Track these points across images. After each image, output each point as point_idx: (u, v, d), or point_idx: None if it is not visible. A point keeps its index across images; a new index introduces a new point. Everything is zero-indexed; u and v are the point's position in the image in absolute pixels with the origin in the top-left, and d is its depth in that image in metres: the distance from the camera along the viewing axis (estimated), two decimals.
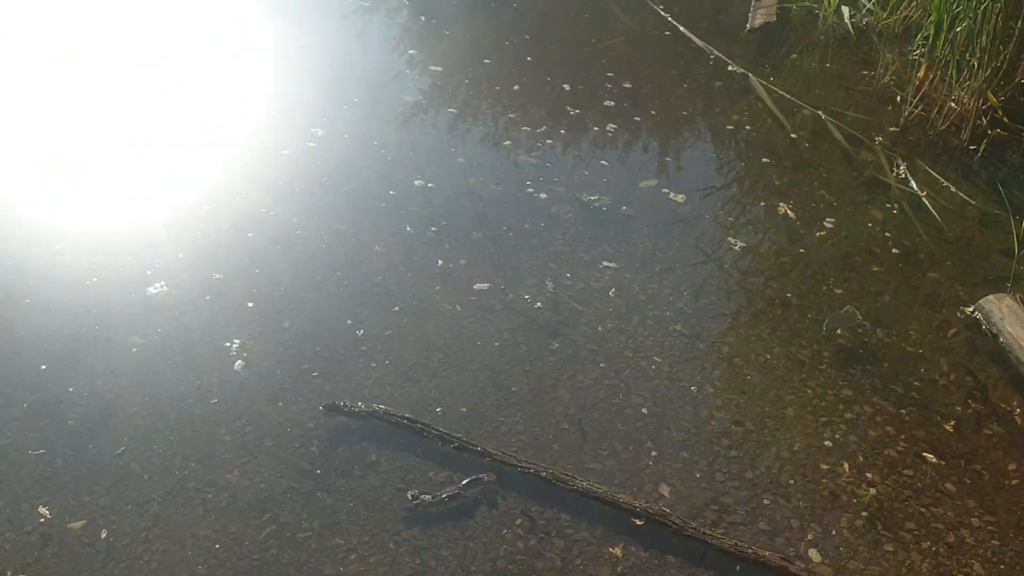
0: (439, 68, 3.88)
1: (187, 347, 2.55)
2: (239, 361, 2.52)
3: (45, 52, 3.76)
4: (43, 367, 2.44)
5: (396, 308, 2.75)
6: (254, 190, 3.11)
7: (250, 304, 2.70)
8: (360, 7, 4.28)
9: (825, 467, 2.41)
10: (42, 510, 2.12)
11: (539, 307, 2.81)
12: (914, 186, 3.47)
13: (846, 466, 2.42)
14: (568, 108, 3.72)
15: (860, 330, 2.86)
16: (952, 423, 2.57)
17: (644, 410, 2.53)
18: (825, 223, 3.28)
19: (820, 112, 3.82)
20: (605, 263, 3.00)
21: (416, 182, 3.24)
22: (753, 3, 4.57)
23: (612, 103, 3.77)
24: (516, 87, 3.81)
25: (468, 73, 3.89)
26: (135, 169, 3.13)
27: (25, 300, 2.62)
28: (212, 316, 2.65)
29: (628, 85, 3.89)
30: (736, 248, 3.15)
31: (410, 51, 3.99)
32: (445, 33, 4.17)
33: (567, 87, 3.84)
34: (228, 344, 2.56)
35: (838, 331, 2.80)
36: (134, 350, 2.52)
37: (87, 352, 2.50)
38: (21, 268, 2.73)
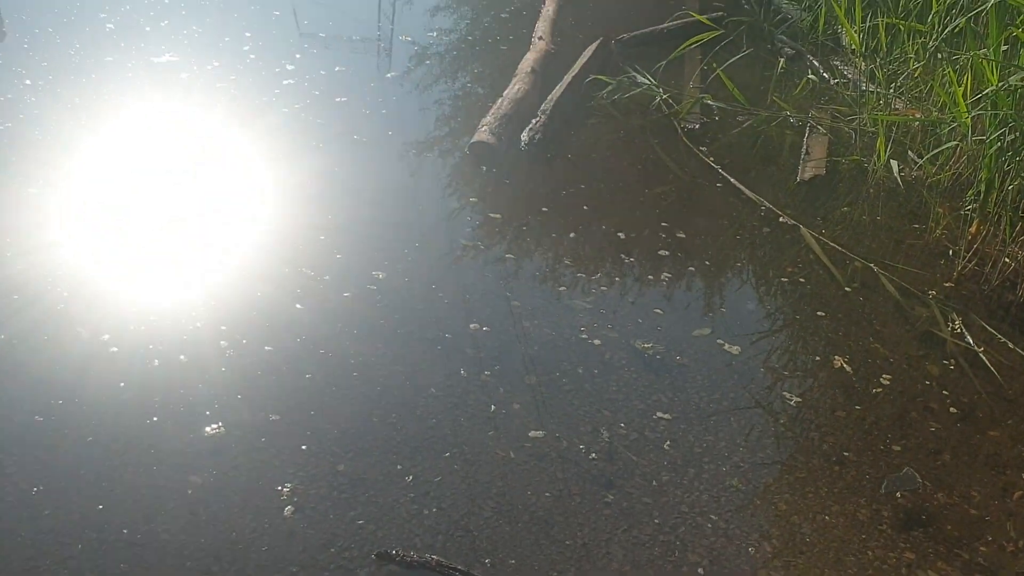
0: (498, 215, 4.00)
1: (241, 490, 2.57)
2: (290, 506, 2.53)
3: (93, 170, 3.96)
4: (100, 507, 2.47)
5: (449, 454, 2.77)
6: (315, 332, 3.18)
7: (304, 447, 2.73)
8: (426, 161, 4.46)
9: None
10: None
11: (593, 457, 2.81)
12: (970, 341, 3.46)
13: None
14: (623, 256, 3.80)
15: (920, 491, 2.81)
16: None
17: (700, 569, 2.48)
18: (880, 378, 3.26)
19: (872, 265, 3.85)
20: (660, 413, 3.00)
21: (471, 325, 3.30)
22: (803, 156, 4.68)
23: (667, 252, 3.84)
24: (572, 234, 3.91)
25: (526, 220, 4.01)
26: (197, 309, 3.22)
27: (88, 438, 2.68)
28: (266, 459, 2.67)
29: (682, 235, 3.98)
30: (791, 401, 3.14)
31: (471, 199, 4.13)
32: (505, 182, 4.32)
33: (621, 235, 3.93)
34: (280, 488, 2.58)
35: (898, 494, 2.74)
36: (189, 492, 2.54)
37: (144, 493, 2.52)
38: (85, 404, 2.80)
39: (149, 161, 4.12)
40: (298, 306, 3.29)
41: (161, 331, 3.11)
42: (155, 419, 2.76)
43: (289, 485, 2.59)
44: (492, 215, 4.00)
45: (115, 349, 3.01)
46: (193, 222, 3.75)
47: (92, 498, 2.49)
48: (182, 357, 3.00)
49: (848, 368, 3.30)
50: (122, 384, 2.88)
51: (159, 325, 3.13)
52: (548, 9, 6.17)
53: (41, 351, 2.97)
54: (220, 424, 2.76)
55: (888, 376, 3.28)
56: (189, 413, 2.80)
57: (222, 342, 3.08)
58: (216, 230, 3.73)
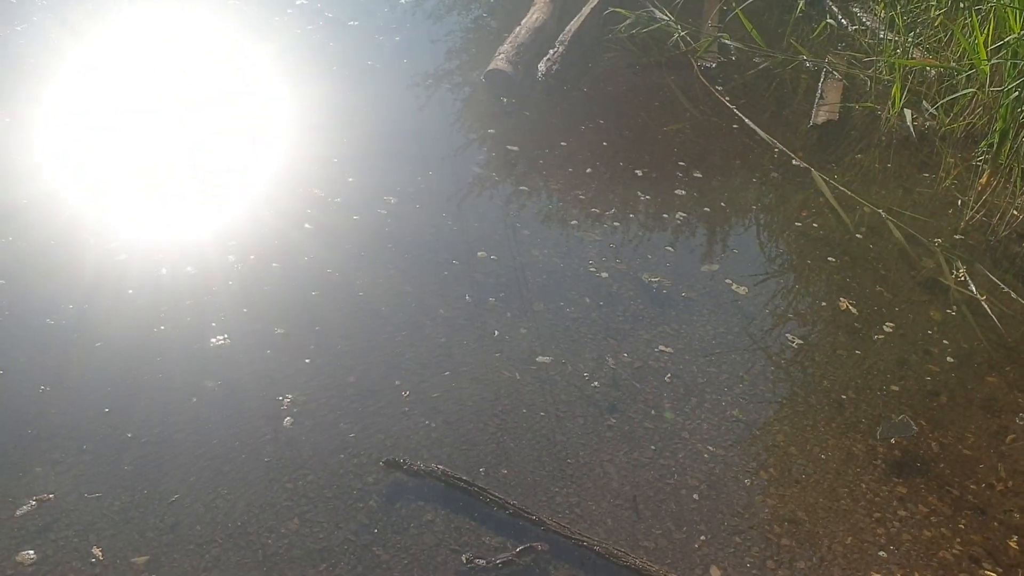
0: (515, 147, 3.99)
1: (249, 396, 2.62)
2: (295, 414, 2.59)
3: (122, 98, 3.93)
4: (106, 410, 2.52)
5: (457, 371, 2.81)
6: (323, 252, 3.21)
7: (307, 360, 2.77)
8: (441, 89, 4.42)
9: (877, 563, 2.40)
10: (95, 551, 2.17)
11: (598, 382, 2.85)
12: (973, 290, 3.49)
13: (898, 564, 2.41)
14: (639, 193, 3.81)
15: (916, 428, 2.86)
16: (1011, 533, 2.55)
17: (698, 492, 2.55)
18: (883, 322, 3.30)
19: (881, 211, 3.87)
20: (664, 344, 3.04)
21: (479, 253, 3.32)
22: (816, 100, 4.66)
23: (683, 191, 3.85)
24: (588, 170, 3.91)
25: (543, 154, 4.00)
26: (207, 225, 3.25)
27: (96, 343, 2.71)
28: (272, 370, 2.72)
29: (699, 175, 3.98)
30: (795, 340, 3.18)
31: (489, 130, 4.11)
32: (525, 114, 4.30)
33: (639, 173, 3.93)
34: (285, 397, 2.63)
35: (892, 440, 2.80)
36: (194, 399, 2.59)
37: (149, 399, 2.57)
38: (95, 310, 2.83)
39: (161, 82, 4.09)
40: (307, 226, 3.31)
41: (169, 243, 3.14)
42: (162, 328, 2.80)
43: (293, 395, 2.64)
44: (509, 147, 3.99)
45: (124, 256, 3.04)
46: (205, 142, 3.76)
47: (98, 401, 2.54)
48: (189, 268, 3.04)
49: (853, 310, 3.33)
50: (130, 291, 2.91)
51: (167, 237, 3.16)
52: None
53: (53, 258, 3.00)
54: (226, 335, 2.80)
55: (891, 320, 3.31)
56: (196, 323, 2.84)
57: (230, 256, 3.11)
58: (227, 151, 3.73)
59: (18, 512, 2.23)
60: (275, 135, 3.78)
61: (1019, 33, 3.65)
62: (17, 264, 2.94)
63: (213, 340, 2.77)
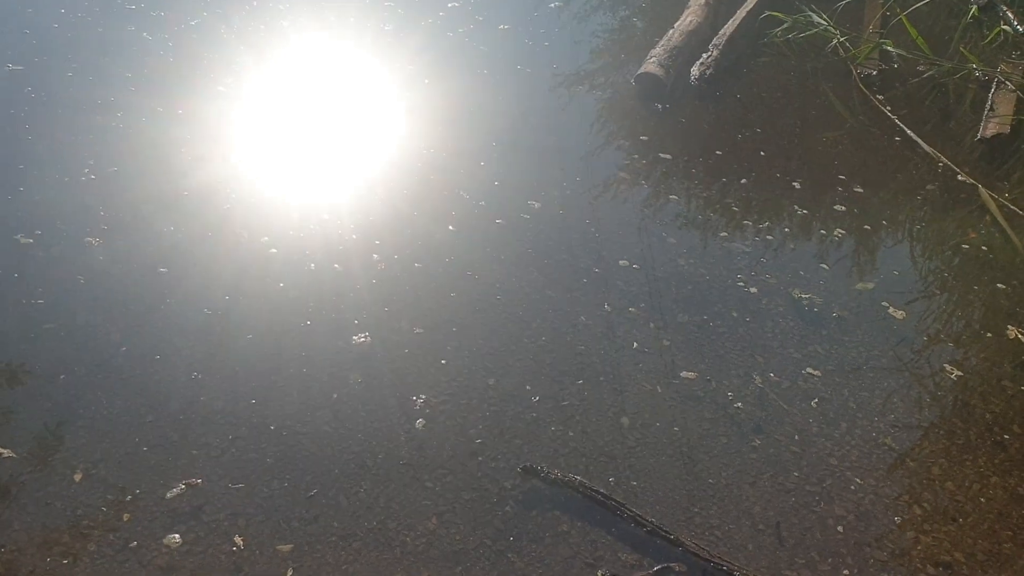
0: (668, 156, 3.92)
1: (388, 394, 2.66)
2: (433, 413, 2.61)
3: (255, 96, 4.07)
4: (253, 401, 2.61)
5: (597, 381, 2.79)
6: (465, 255, 3.23)
7: (443, 361, 2.79)
8: (591, 93, 4.39)
9: None
10: (237, 540, 2.25)
11: (744, 400, 2.77)
12: None
13: None
14: (795, 206, 3.68)
15: None
16: None
17: (845, 523, 2.44)
18: None
19: None
20: (814, 364, 2.93)
21: (622, 261, 3.27)
22: (986, 112, 4.39)
23: (842, 207, 3.69)
24: (744, 180, 3.80)
25: (696, 162, 3.92)
26: (354, 223, 3.31)
27: (248, 335, 2.81)
28: (409, 368, 2.76)
29: (860, 190, 3.81)
30: (955, 367, 3.00)
31: (641, 136, 4.06)
32: (680, 121, 4.22)
33: (796, 185, 3.80)
34: (419, 397, 2.66)
35: None
36: (335, 396, 2.65)
37: (293, 393, 2.64)
38: (247, 302, 2.93)
39: (314, 79, 4.22)
40: (451, 228, 3.34)
41: (318, 240, 3.22)
42: (308, 323, 2.87)
43: (428, 395, 2.67)
44: (661, 154, 3.92)
45: (274, 251, 3.14)
46: (357, 142, 3.84)
47: (246, 392, 2.63)
48: (336, 266, 3.11)
49: (1021, 338, 3.12)
50: (281, 284, 3.00)
51: (316, 234, 3.24)
52: None
53: (210, 250, 3.13)
54: (367, 333, 2.85)
55: None
56: (339, 320, 2.90)
57: (374, 255, 3.17)
58: (379, 151, 3.80)
59: (168, 495, 2.34)
60: (425, 137, 3.83)
61: None
62: (177, 254, 3.09)
63: (355, 338, 2.83)
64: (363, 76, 4.29)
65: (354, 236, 3.24)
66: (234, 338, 2.80)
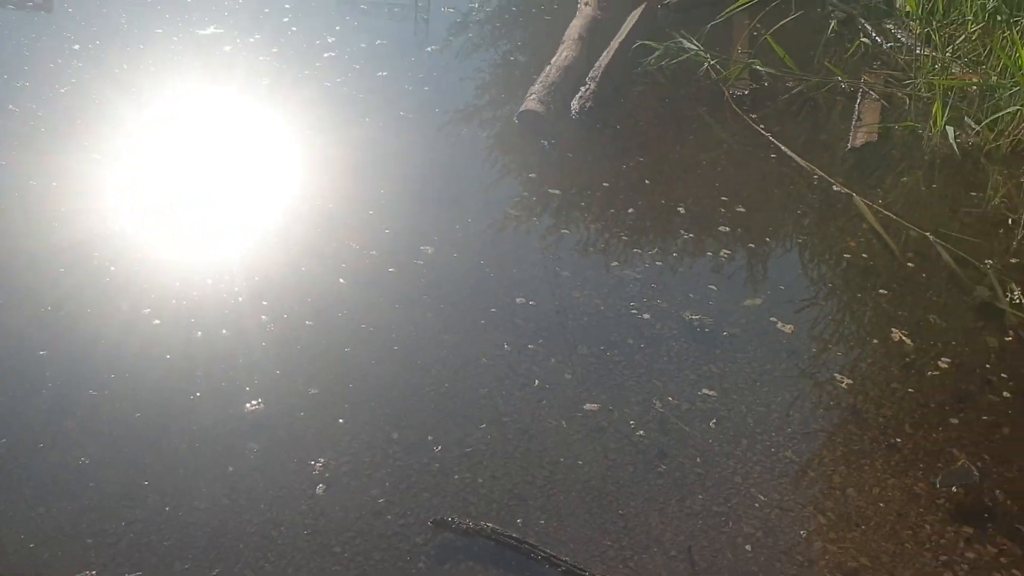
0: (557, 191, 3.96)
1: (285, 462, 2.58)
2: (333, 475, 2.56)
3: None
4: (146, 482, 2.50)
5: (502, 422, 2.77)
6: (358, 307, 3.18)
7: (341, 420, 2.73)
8: (476, 135, 4.41)
9: None
10: None
11: (646, 427, 2.79)
12: None
13: None
14: (682, 232, 3.75)
15: (979, 463, 2.76)
16: None
17: (753, 541, 2.47)
18: (937, 352, 3.20)
19: (928, 235, 3.77)
20: (710, 384, 2.98)
21: (519, 299, 3.28)
22: (854, 122, 4.59)
23: (727, 228, 3.78)
24: (631, 210, 3.87)
25: (585, 195, 3.97)
26: (240, 284, 3.23)
27: (135, 414, 2.70)
28: (305, 432, 2.69)
29: (742, 209, 3.92)
30: (845, 374, 3.09)
31: (530, 174, 4.09)
32: (567, 156, 4.28)
33: (681, 210, 3.88)
34: (317, 461, 2.60)
35: (954, 488, 2.69)
36: (230, 469, 2.56)
37: (186, 470, 2.54)
38: (134, 379, 2.82)
39: (193, 134, 4.15)
40: (341, 281, 3.29)
41: (203, 305, 3.12)
42: (198, 394, 2.78)
43: (327, 458, 2.60)
44: (551, 191, 3.95)
45: (158, 321, 3.04)
46: (237, 196, 3.78)
47: (138, 474, 2.51)
48: (224, 331, 3.02)
49: (906, 341, 3.24)
50: (168, 356, 2.90)
51: (202, 299, 3.15)
52: None
53: (91, 327, 3.00)
54: (260, 400, 2.77)
55: (946, 349, 3.22)
56: (230, 388, 2.81)
57: (263, 317, 3.09)
58: (260, 204, 3.75)
59: None
60: (310, 190, 3.79)
61: None
62: (56, 334, 2.96)
63: (248, 405, 2.75)
64: (241, 132, 4.23)
65: (241, 298, 3.16)
66: (122, 418, 2.68)
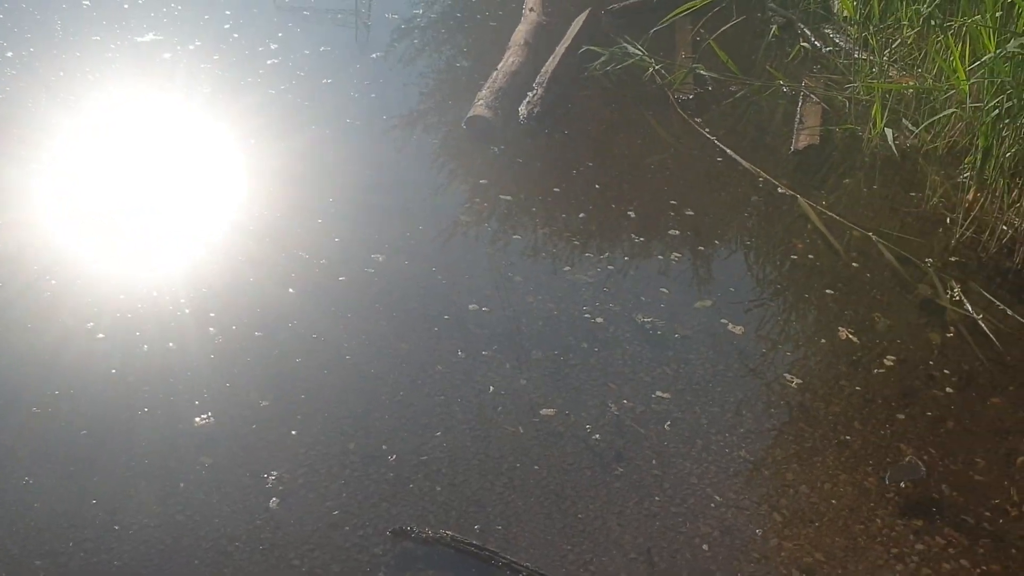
0: (508, 197, 3.96)
1: (237, 476, 2.55)
2: (287, 488, 2.52)
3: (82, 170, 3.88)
4: (94, 501, 2.44)
5: (459, 430, 2.76)
6: (308, 317, 3.14)
7: (293, 432, 2.70)
8: (425, 141, 4.39)
9: None
10: None
11: (602, 430, 2.81)
12: (969, 308, 3.47)
13: None
14: (633, 236, 3.78)
15: (926, 457, 2.83)
16: None
17: (711, 540, 2.50)
18: (883, 349, 3.28)
19: (870, 234, 3.86)
20: (664, 386, 3.00)
21: (471, 305, 3.27)
22: (796, 125, 4.67)
23: (677, 232, 3.82)
24: (582, 215, 3.88)
25: (536, 201, 3.98)
26: (186, 296, 3.17)
27: (81, 431, 2.64)
28: (257, 445, 2.65)
29: (691, 212, 3.96)
30: (795, 373, 3.14)
31: (481, 180, 4.09)
32: (518, 161, 4.28)
33: (632, 214, 3.90)
34: (271, 474, 2.56)
35: (902, 484, 2.75)
36: (182, 485, 2.51)
37: (138, 487, 2.49)
38: (79, 395, 2.76)
39: (133, 143, 4.04)
40: (291, 291, 3.25)
41: (149, 318, 3.06)
42: (146, 410, 2.72)
43: (280, 471, 2.57)
44: (502, 196, 3.95)
45: (102, 336, 2.97)
46: (181, 206, 3.70)
47: (85, 493, 2.45)
48: (171, 344, 2.96)
49: (853, 339, 3.30)
50: (113, 371, 2.84)
51: (147, 312, 3.08)
52: None
53: (32, 343, 2.93)
54: (209, 413, 2.72)
55: (891, 346, 3.29)
56: (179, 403, 2.75)
57: (211, 328, 3.03)
58: (206, 215, 3.68)
59: None
60: (257, 199, 3.73)
61: (995, 52, 3.66)
62: None
63: (197, 420, 2.70)
64: (184, 141, 4.14)
65: (188, 310, 3.09)
66: (67, 435, 2.61)
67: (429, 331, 3.14)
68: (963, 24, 4.13)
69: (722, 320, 3.33)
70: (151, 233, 3.50)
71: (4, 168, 3.75)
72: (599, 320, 3.26)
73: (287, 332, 3.06)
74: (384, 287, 3.32)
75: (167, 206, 3.68)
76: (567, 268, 3.54)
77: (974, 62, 3.96)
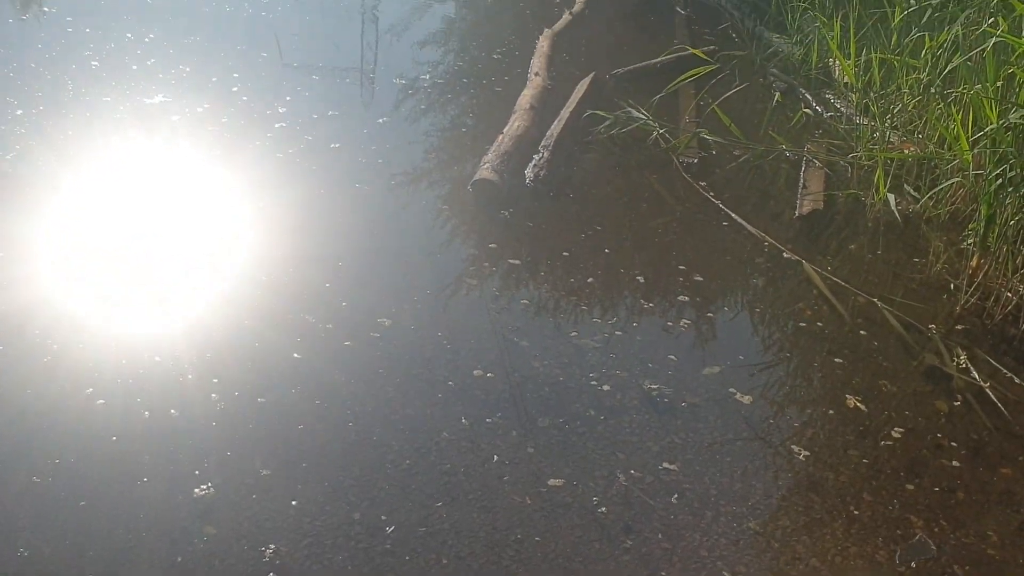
0: (517, 261, 3.97)
1: (237, 549, 2.50)
2: (302, 558, 2.48)
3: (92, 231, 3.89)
4: (91, 575, 2.39)
5: (466, 500, 2.72)
6: (312, 382, 3.12)
7: (294, 503, 2.66)
8: (439, 206, 4.41)
9: None
10: None
11: (610, 501, 2.77)
12: (976, 376, 3.46)
13: None
14: (642, 301, 3.79)
15: (936, 529, 2.79)
16: None
17: None
18: (890, 418, 3.25)
19: (876, 300, 3.86)
20: (673, 456, 2.97)
21: (476, 371, 3.25)
22: (800, 190, 4.70)
23: (686, 297, 3.82)
24: (591, 279, 3.89)
25: (545, 266, 3.99)
26: (191, 360, 3.15)
27: (80, 501, 2.59)
28: (259, 516, 2.61)
29: (699, 278, 3.97)
30: (803, 444, 3.12)
31: (490, 244, 4.11)
32: (527, 225, 4.30)
33: (641, 279, 3.92)
34: (271, 547, 2.51)
35: (912, 563, 2.70)
36: (179, 559, 2.46)
37: (135, 561, 2.44)
38: (79, 464, 2.71)
39: (140, 205, 4.07)
40: (296, 356, 3.23)
41: (151, 384, 3.03)
42: (145, 480, 2.68)
43: (278, 544, 2.51)
44: (512, 261, 3.97)
45: (102, 402, 2.93)
46: (187, 270, 3.69)
47: (83, 567, 2.41)
48: (173, 411, 2.92)
49: (861, 407, 3.28)
50: (113, 439, 2.80)
51: (149, 377, 3.05)
52: (543, 45, 6.22)
53: (30, 408, 2.89)
54: (209, 484, 2.67)
55: (898, 415, 3.27)
56: (178, 472, 2.71)
57: (213, 395, 3.01)
58: (212, 279, 3.67)
59: None
60: (264, 264, 3.73)
61: (997, 124, 3.70)
62: None
63: (197, 490, 2.65)
64: (192, 204, 4.17)
65: (191, 376, 3.07)
66: (65, 505, 2.57)
67: (434, 397, 3.12)
68: (963, 93, 4.19)
69: (730, 389, 3.31)
70: (155, 295, 3.50)
71: (10, 226, 3.77)
72: (606, 387, 3.24)
73: (290, 398, 3.04)
74: (389, 352, 3.30)
75: (172, 269, 3.68)
76: (573, 333, 3.53)
77: (976, 131, 4.00)
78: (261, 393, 3.05)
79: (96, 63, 5.50)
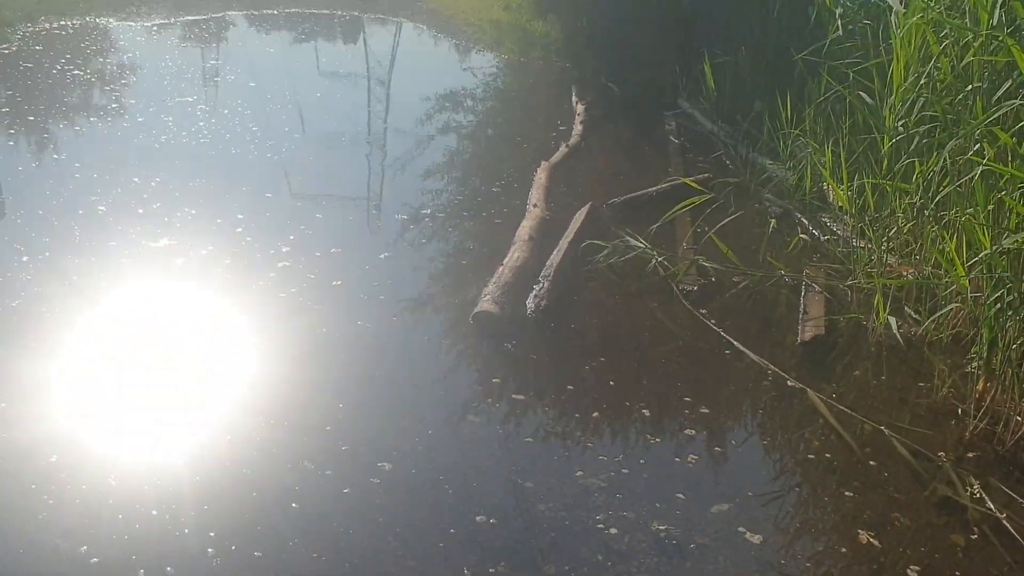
0: (521, 396, 3.95)
1: None
2: None
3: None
4: None
5: None
6: (310, 532, 3.05)
7: None
8: (442, 343, 4.41)
9: None
10: None
11: None
12: (991, 506, 3.37)
13: None
14: (648, 436, 3.75)
15: None
16: None
17: None
18: (905, 554, 3.16)
19: (883, 428, 3.81)
20: None
21: (479, 517, 3.18)
22: (801, 316, 4.71)
23: (692, 431, 3.79)
24: (596, 414, 3.86)
25: (549, 401, 3.97)
26: (187, 514, 3.10)
27: None
28: None
29: (706, 410, 3.94)
30: None
31: (493, 379, 4.09)
32: (532, 358, 4.29)
33: (647, 412, 3.89)
34: None
35: None
36: None
37: None
38: None
39: (142, 347, 4.09)
40: (294, 506, 3.17)
41: (146, 541, 2.97)
42: None
43: None
44: (515, 396, 3.95)
45: (96, 560, 2.88)
46: (185, 416, 3.66)
47: None
48: (169, 569, 2.86)
49: (874, 543, 3.19)
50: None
51: (144, 534, 3.00)
52: (540, 177, 6.36)
53: (15, 564, 2.84)
54: None
55: (913, 551, 3.18)
56: None
57: (210, 550, 2.94)
58: (211, 424, 3.63)
59: None
60: (263, 410, 3.68)
61: (991, 249, 3.73)
62: None
63: None
64: (193, 346, 4.18)
65: (187, 530, 3.01)
66: None
67: (435, 547, 3.04)
68: (955, 216, 4.23)
69: (739, 528, 3.23)
70: (156, 442, 3.47)
71: (13, 367, 3.80)
72: (613, 530, 3.16)
73: (288, 552, 2.96)
74: (390, 499, 3.24)
75: (171, 415, 3.65)
76: (579, 472, 3.47)
77: (971, 255, 4.03)
78: (258, 547, 2.97)
79: (103, 208, 5.62)
